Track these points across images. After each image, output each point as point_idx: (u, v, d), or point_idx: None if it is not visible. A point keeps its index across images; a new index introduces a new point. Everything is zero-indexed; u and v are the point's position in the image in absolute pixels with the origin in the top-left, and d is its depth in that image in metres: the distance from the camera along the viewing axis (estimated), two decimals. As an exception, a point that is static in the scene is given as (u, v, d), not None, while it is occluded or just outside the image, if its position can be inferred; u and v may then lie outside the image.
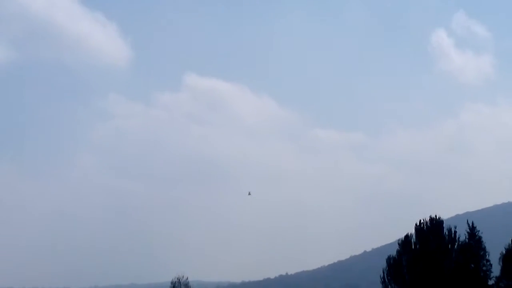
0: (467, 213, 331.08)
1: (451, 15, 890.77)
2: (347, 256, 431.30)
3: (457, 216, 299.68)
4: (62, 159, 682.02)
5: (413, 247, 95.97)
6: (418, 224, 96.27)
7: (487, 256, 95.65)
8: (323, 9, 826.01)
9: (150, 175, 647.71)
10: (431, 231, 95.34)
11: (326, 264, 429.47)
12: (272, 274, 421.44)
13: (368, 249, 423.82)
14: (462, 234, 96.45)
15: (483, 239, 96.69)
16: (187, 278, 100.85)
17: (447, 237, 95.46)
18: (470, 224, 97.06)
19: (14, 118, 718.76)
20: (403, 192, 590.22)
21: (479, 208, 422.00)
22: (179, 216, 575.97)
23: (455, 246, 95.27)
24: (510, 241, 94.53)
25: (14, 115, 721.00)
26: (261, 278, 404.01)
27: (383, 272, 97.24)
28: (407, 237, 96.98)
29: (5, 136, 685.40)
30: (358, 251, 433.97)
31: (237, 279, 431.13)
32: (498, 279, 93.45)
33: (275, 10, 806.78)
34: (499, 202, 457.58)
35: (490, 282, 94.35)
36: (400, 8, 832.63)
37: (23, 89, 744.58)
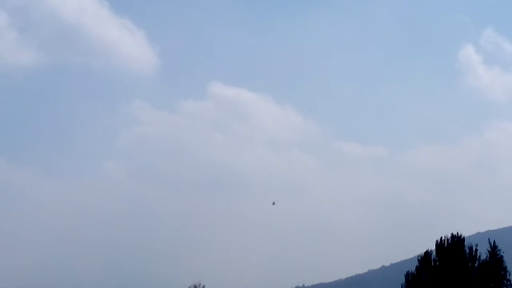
0: (488, 232, 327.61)
1: (480, 31, 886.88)
2: (365, 270, 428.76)
3: (478, 234, 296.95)
4: (87, 164, 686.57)
5: (432, 264, 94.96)
6: (438, 240, 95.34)
7: (507, 275, 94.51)
8: (349, 22, 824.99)
9: (171, 182, 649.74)
10: (452, 249, 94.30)
11: (343, 277, 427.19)
12: (289, 285, 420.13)
13: (387, 263, 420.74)
14: (483, 252, 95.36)
15: (504, 258, 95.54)
16: (203, 286, 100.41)
17: (467, 255, 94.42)
18: (492, 243, 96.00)
19: (41, 122, 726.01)
20: (423, 208, 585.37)
21: (501, 226, 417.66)
22: (199, 223, 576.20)
23: (476, 265, 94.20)
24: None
25: (41, 119, 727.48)
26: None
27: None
28: (427, 253, 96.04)
29: (32, 139, 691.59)
30: (376, 265, 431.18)
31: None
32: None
33: (302, 22, 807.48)
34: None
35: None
36: (429, 24, 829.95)
37: (51, 92, 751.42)
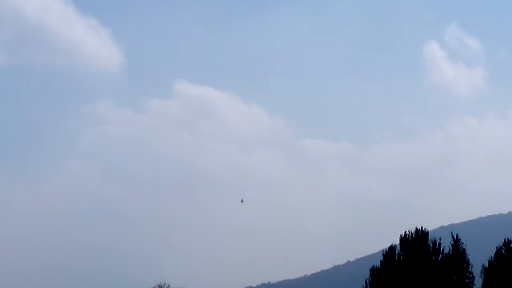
0: (452, 225, 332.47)
1: (444, 27, 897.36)
2: (331, 266, 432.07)
3: (442, 227, 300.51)
4: (51, 164, 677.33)
5: (397, 258, 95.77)
6: (403, 235, 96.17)
7: (470, 268, 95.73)
8: (315, 20, 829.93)
9: (138, 182, 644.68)
10: (416, 243, 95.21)
11: (309, 273, 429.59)
12: (255, 282, 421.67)
13: (352, 259, 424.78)
14: (446, 246, 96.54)
15: (467, 251, 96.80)
16: (169, 286, 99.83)
17: (431, 249, 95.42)
18: (454, 236, 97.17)
19: (4, 123, 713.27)
20: (388, 203, 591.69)
21: (464, 220, 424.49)
22: (166, 223, 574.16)
23: (439, 258, 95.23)
24: (493, 254, 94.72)
25: (5, 120, 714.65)
26: (243, 286, 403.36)
27: (366, 283, 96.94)
28: (391, 248, 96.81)
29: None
30: (341, 260, 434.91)
31: (219, 287, 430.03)
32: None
33: (268, 20, 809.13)
34: (484, 214, 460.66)
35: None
36: (393, 20, 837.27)
37: (14, 93, 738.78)
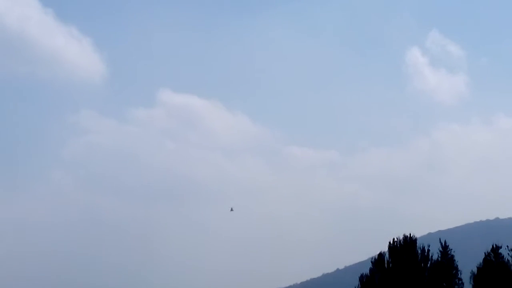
0: (439, 232, 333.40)
1: (425, 33, 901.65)
2: (320, 274, 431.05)
3: (430, 234, 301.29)
4: (34, 175, 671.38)
5: (386, 265, 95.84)
6: (391, 242, 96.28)
7: (459, 275, 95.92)
8: (298, 26, 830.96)
9: (123, 191, 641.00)
10: (404, 250, 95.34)
11: (298, 281, 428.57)
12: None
13: (341, 266, 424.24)
14: (434, 252, 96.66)
15: (455, 257, 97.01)
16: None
17: (420, 256, 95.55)
18: (443, 243, 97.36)
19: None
20: (376, 210, 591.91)
21: (452, 226, 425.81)
22: (152, 233, 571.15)
23: (428, 265, 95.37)
24: (481, 260, 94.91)
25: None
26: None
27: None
28: (380, 255, 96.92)
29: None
30: (331, 268, 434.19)
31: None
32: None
33: (251, 26, 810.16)
34: (471, 220, 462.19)
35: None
36: (375, 27, 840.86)
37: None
